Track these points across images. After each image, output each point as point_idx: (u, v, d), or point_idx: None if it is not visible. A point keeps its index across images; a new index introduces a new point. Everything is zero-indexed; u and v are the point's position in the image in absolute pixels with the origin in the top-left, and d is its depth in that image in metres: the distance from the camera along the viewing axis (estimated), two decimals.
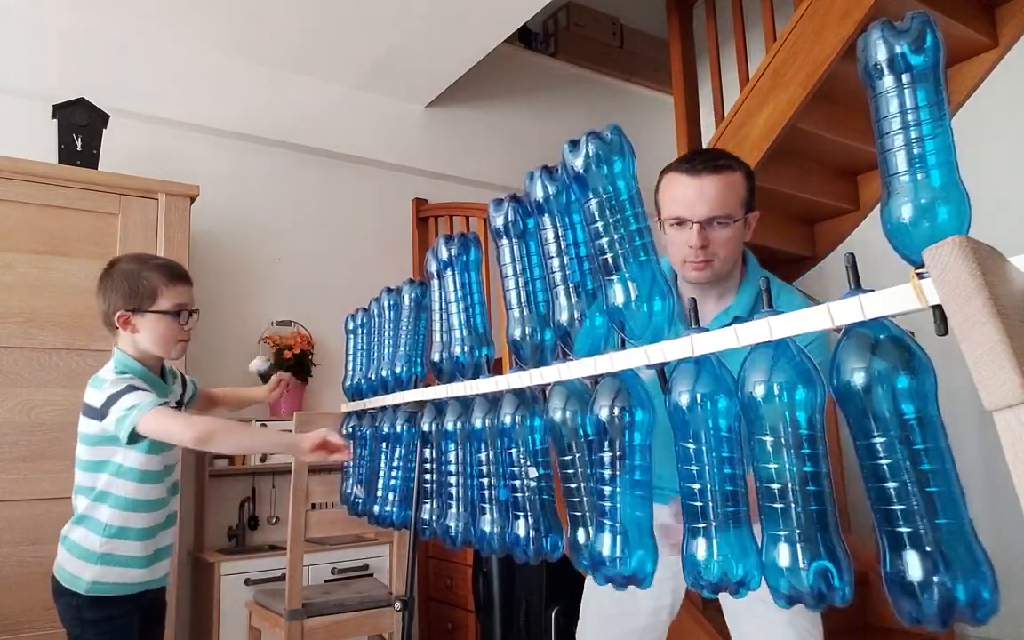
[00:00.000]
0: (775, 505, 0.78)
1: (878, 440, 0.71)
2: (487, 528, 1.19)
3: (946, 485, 0.69)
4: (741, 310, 1.45)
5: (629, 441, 0.93)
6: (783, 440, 0.78)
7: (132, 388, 1.59)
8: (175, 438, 1.59)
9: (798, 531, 0.77)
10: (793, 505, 0.77)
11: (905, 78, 0.73)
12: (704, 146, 3.47)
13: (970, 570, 0.68)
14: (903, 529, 0.70)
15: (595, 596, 1.64)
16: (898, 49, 0.73)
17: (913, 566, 0.69)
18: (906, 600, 0.70)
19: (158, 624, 1.80)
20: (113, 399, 1.58)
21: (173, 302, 1.68)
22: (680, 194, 1.42)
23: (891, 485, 0.70)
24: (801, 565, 0.76)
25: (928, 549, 0.68)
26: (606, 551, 0.92)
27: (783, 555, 0.77)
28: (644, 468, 0.94)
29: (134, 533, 1.68)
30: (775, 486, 0.78)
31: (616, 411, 0.93)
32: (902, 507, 0.70)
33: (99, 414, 1.61)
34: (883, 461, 0.71)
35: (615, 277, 0.93)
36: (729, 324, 1.41)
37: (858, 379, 0.71)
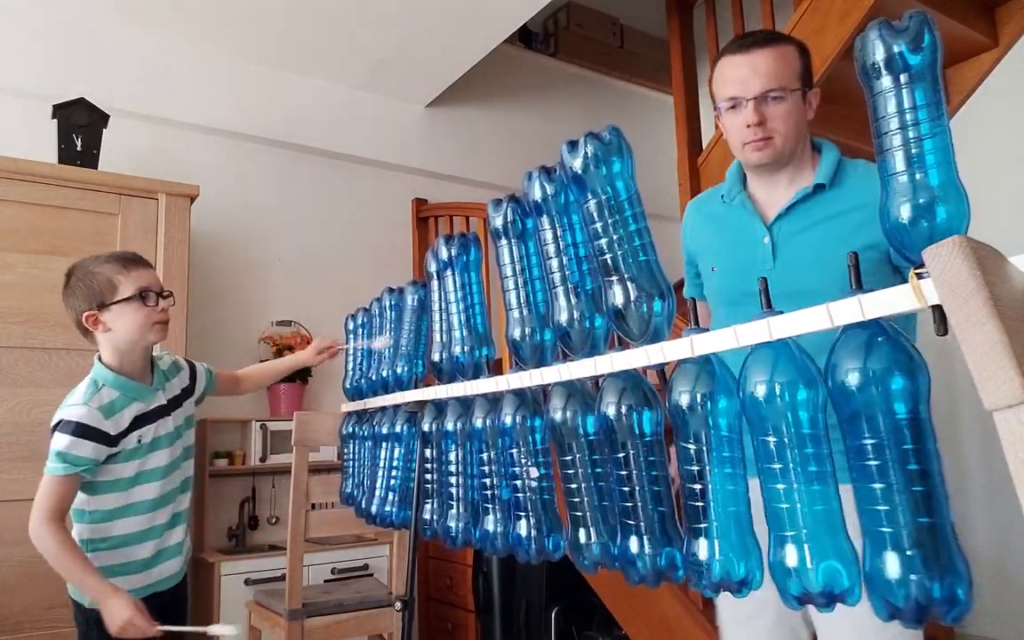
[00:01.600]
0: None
1: (868, 442, 0.71)
2: (489, 528, 1.19)
3: (931, 486, 0.69)
4: (823, 178, 1.38)
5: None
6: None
7: (78, 431, 1.57)
8: (34, 511, 1.58)
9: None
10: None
11: (903, 78, 0.73)
12: (704, 146, 3.47)
13: (947, 569, 0.68)
14: (885, 529, 0.70)
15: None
16: (896, 49, 0.73)
17: (892, 564, 0.70)
18: (883, 596, 0.70)
19: (178, 612, 1.78)
20: (56, 427, 1.59)
21: (135, 287, 1.64)
22: (732, 73, 1.37)
23: (878, 486, 0.71)
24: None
25: (908, 550, 0.69)
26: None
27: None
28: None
29: (122, 540, 1.67)
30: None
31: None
32: (886, 508, 0.70)
33: (52, 433, 1.61)
34: (872, 462, 0.71)
35: (614, 277, 0.93)
36: (812, 195, 1.37)
37: (852, 380, 0.72)
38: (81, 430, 1.58)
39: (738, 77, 1.36)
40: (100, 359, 1.69)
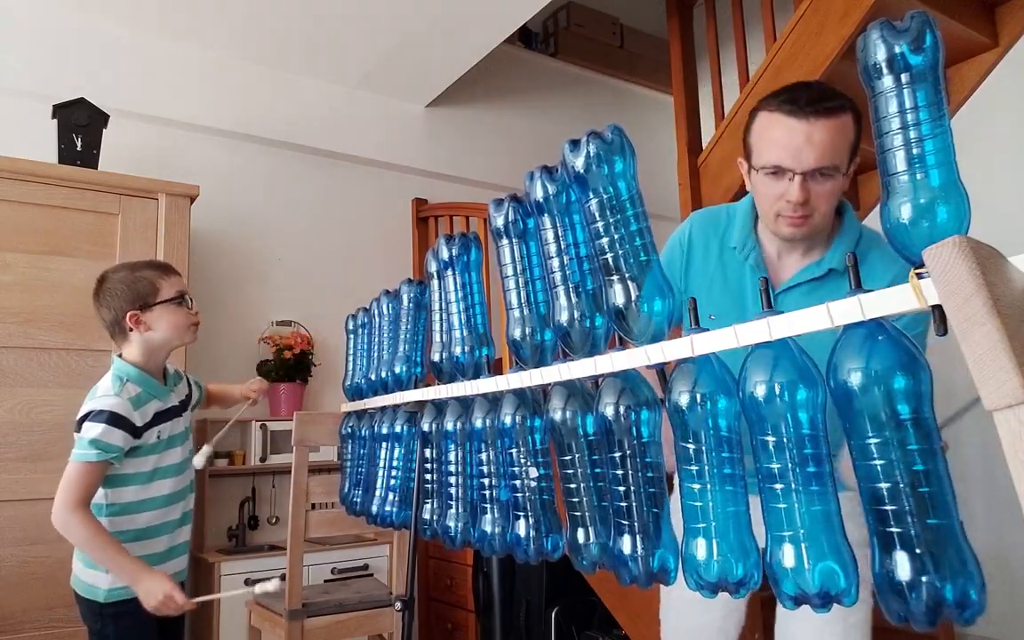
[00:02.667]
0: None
1: (872, 441, 0.71)
2: (488, 528, 1.19)
3: (938, 486, 0.69)
4: (837, 264, 1.28)
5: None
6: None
7: (113, 420, 1.65)
8: (60, 499, 1.62)
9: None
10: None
11: (904, 78, 0.73)
12: (703, 145, 3.47)
13: (959, 570, 0.68)
14: (894, 529, 0.70)
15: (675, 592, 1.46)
16: (897, 49, 0.73)
17: (903, 566, 0.69)
18: (894, 599, 0.70)
19: (179, 616, 1.82)
20: (93, 417, 1.65)
21: (175, 289, 1.77)
22: (783, 137, 1.21)
23: (884, 486, 0.70)
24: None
25: (918, 550, 0.69)
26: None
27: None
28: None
29: (140, 533, 1.73)
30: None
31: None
32: (894, 508, 0.70)
33: (78, 426, 1.67)
34: (877, 462, 0.71)
35: (615, 277, 0.93)
36: (824, 276, 1.29)
37: (854, 379, 0.71)
38: (114, 419, 1.65)
39: (791, 145, 1.20)
40: (121, 356, 1.77)
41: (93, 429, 1.63)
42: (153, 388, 1.77)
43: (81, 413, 1.69)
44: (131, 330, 1.75)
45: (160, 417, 1.78)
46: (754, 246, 1.35)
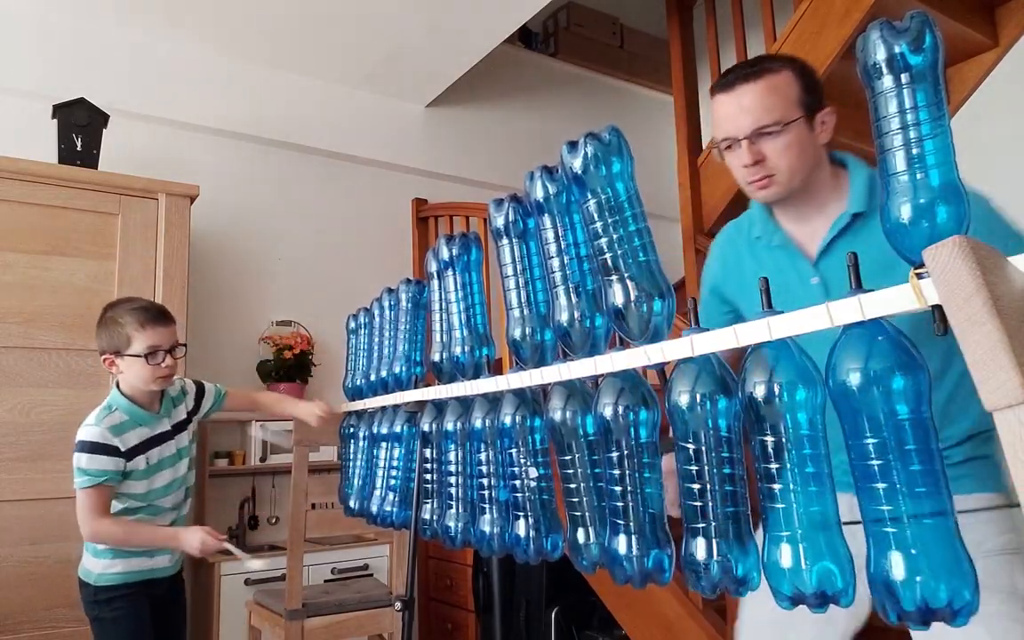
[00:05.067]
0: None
1: (870, 441, 0.71)
2: (487, 528, 1.19)
3: (934, 486, 0.69)
4: (858, 207, 1.28)
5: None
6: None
7: (92, 448, 1.79)
8: (82, 523, 1.80)
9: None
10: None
11: (904, 78, 0.73)
12: (703, 145, 3.47)
13: (952, 570, 0.68)
14: (889, 530, 0.70)
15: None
16: (897, 49, 0.73)
17: (896, 565, 0.69)
18: (888, 599, 0.70)
19: (174, 604, 2.01)
20: (77, 448, 1.81)
21: (145, 345, 1.84)
22: (721, 112, 1.30)
23: (880, 486, 0.70)
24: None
25: (912, 550, 0.69)
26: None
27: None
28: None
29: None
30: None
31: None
32: (889, 508, 0.70)
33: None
34: (874, 462, 0.71)
35: (614, 277, 0.93)
36: (850, 225, 1.29)
37: (853, 380, 0.71)
38: (93, 447, 1.80)
39: (727, 116, 1.28)
40: (118, 385, 1.91)
41: (79, 459, 1.79)
42: (139, 417, 1.88)
43: (74, 442, 1.83)
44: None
45: (149, 443, 1.89)
46: (776, 228, 1.38)
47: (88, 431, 1.82)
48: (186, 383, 2.07)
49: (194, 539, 1.82)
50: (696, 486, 0.85)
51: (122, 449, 1.83)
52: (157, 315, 1.90)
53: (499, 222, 1.12)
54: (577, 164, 0.95)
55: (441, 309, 1.32)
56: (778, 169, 1.27)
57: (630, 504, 0.92)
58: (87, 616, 1.89)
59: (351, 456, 1.83)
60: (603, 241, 0.94)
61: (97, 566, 1.86)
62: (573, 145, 0.97)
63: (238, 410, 2.21)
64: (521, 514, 1.11)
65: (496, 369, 1.38)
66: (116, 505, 1.87)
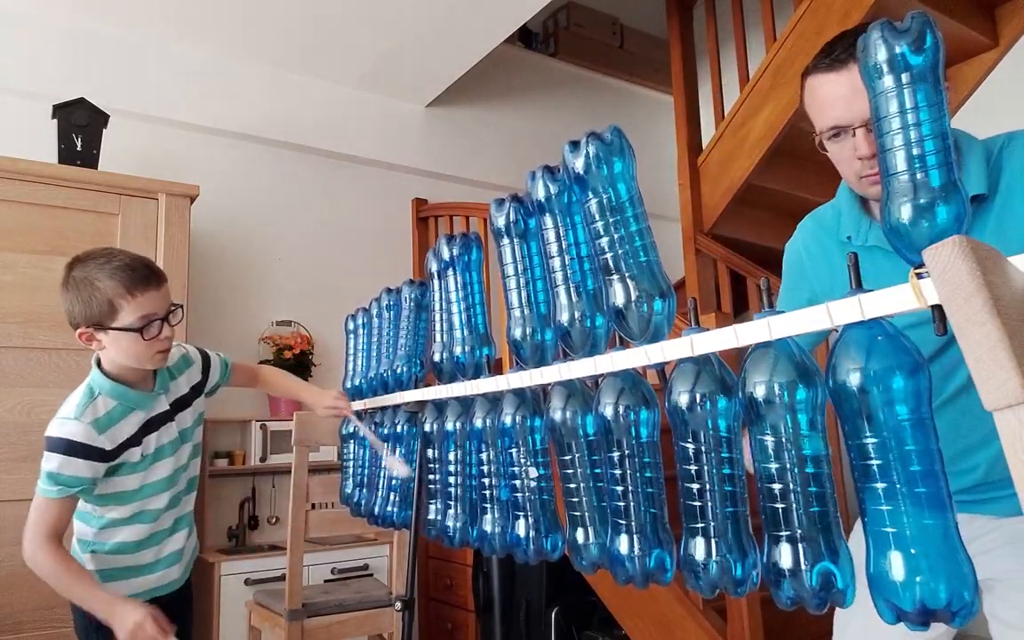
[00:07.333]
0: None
1: (870, 441, 0.71)
2: (488, 528, 1.19)
3: (935, 487, 0.69)
4: (975, 188, 1.11)
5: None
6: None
7: (69, 449, 1.47)
8: (28, 533, 1.48)
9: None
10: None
11: (905, 78, 0.73)
12: (704, 145, 3.47)
13: (952, 571, 0.68)
14: (888, 530, 0.70)
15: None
16: (898, 49, 0.73)
17: (896, 566, 0.69)
18: (887, 599, 0.70)
19: (179, 618, 1.63)
20: (49, 445, 1.48)
21: (137, 315, 1.46)
22: (829, 96, 1.13)
23: (880, 486, 0.70)
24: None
25: (912, 550, 0.69)
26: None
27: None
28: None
29: (121, 546, 1.61)
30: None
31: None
32: (889, 508, 0.70)
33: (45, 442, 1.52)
34: (874, 462, 0.71)
35: (615, 277, 0.93)
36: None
37: (854, 380, 0.71)
38: (71, 448, 1.47)
39: (838, 98, 1.12)
40: (99, 363, 1.56)
41: (50, 461, 1.46)
42: (132, 400, 1.55)
43: (46, 432, 1.50)
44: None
45: (145, 429, 1.58)
46: (871, 225, 1.24)
47: (65, 427, 1.47)
48: (188, 351, 1.72)
49: (128, 619, 1.42)
50: (695, 486, 0.85)
51: (108, 448, 1.50)
52: (146, 275, 1.49)
53: (500, 222, 1.12)
54: (579, 164, 0.95)
55: (441, 309, 1.32)
56: None
57: (631, 504, 0.92)
58: (77, 636, 1.62)
59: (351, 456, 1.83)
60: (604, 241, 0.94)
61: None
62: (575, 145, 0.97)
63: (240, 386, 1.93)
64: (521, 514, 1.12)
65: (496, 369, 1.38)
66: (100, 511, 1.57)
